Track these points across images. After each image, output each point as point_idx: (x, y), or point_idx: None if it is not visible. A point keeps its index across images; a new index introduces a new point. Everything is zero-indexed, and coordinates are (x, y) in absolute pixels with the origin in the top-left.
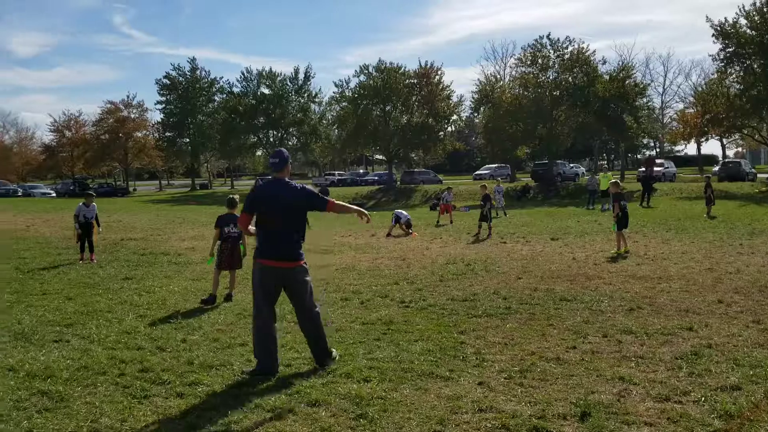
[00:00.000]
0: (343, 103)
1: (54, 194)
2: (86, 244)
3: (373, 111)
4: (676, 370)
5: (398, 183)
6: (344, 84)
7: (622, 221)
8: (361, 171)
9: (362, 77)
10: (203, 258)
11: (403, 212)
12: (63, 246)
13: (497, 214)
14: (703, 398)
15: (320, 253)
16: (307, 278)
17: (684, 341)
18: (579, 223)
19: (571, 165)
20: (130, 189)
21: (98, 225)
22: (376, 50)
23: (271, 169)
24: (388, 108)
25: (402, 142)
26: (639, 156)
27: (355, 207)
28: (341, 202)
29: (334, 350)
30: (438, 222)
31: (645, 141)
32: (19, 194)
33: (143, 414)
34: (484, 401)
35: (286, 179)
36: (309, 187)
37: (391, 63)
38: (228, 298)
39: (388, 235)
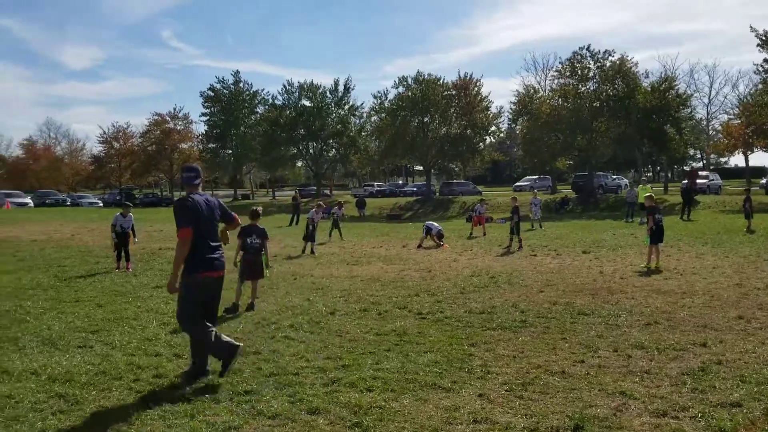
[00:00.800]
0: (382, 115)
1: (101, 204)
2: (122, 253)
3: (412, 122)
4: (679, 385)
5: (437, 194)
6: (383, 95)
7: (656, 235)
8: (400, 182)
9: (401, 89)
10: (233, 268)
11: (435, 224)
12: (102, 255)
13: (533, 226)
14: (700, 414)
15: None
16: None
17: (695, 357)
18: (614, 237)
19: (614, 177)
20: (175, 199)
21: (134, 235)
22: (418, 61)
23: (186, 183)
24: (426, 119)
25: (440, 153)
26: (685, 168)
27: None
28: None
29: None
30: (471, 234)
31: (691, 152)
32: (68, 204)
33: (150, 417)
34: (480, 413)
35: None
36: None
37: (429, 74)
38: (250, 307)
39: (419, 246)
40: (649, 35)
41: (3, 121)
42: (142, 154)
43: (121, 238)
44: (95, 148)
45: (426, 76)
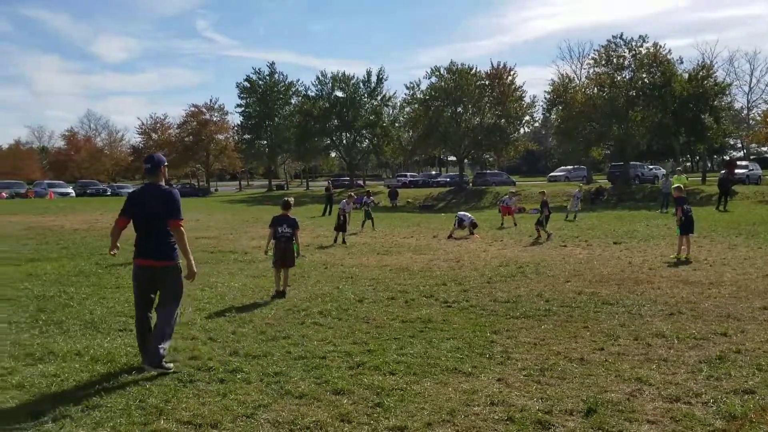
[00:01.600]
0: (415, 105)
1: None
2: None
3: (445, 112)
4: (696, 373)
5: (470, 184)
6: (415, 86)
7: (685, 225)
8: (434, 172)
9: (433, 79)
10: (268, 256)
11: (467, 214)
12: None
13: (567, 217)
14: (712, 400)
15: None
16: (176, 278)
17: (714, 346)
18: (647, 227)
19: (651, 166)
20: (212, 189)
21: None
22: (452, 49)
23: (145, 174)
24: (459, 109)
25: (473, 144)
26: (725, 157)
27: (191, 261)
28: (185, 242)
29: (168, 363)
30: (501, 224)
31: (731, 142)
32: (108, 194)
33: (185, 396)
34: (497, 396)
35: (159, 184)
36: (174, 194)
37: (462, 64)
38: (281, 294)
39: (450, 236)
40: (688, 23)
41: (45, 113)
42: (180, 145)
43: None
44: (134, 139)
45: (459, 66)
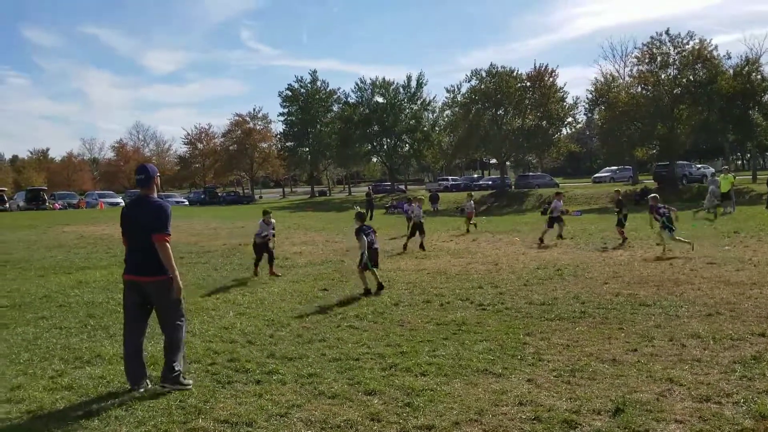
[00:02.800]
0: (455, 108)
1: (187, 202)
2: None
3: (485, 115)
4: (729, 373)
5: (512, 187)
6: (455, 89)
7: (667, 226)
8: (475, 175)
9: (473, 81)
10: (308, 262)
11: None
12: (186, 251)
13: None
14: (743, 400)
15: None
16: (168, 293)
17: (750, 346)
18: (692, 228)
19: (698, 166)
20: (256, 197)
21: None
22: (494, 51)
23: (137, 185)
24: (500, 112)
25: (514, 146)
26: None
27: (176, 276)
28: (168, 256)
29: (187, 380)
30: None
31: None
32: None
33: (223, 396)
34: (527, 396)
35: (150, 196)
36: (164, 208)
37: (502, 66)
38: (381, 287)
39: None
40: (736, 16)
41: (97, 125)
42: (224, 153)
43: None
44: (180, 149)
45: (499, 68)
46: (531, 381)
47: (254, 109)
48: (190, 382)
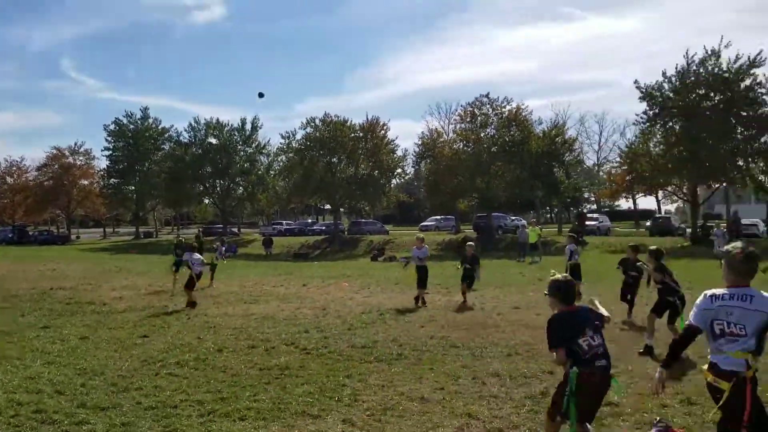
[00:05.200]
0: (290, 154)
1: None
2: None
3: (320, 162)
4: (519, 407)
5: (345, 233)
6: (291, 135)
7: (467, 276)
8: (309, 220)
9: (309, 129)
10: (127, 307)
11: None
12: None
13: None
14: (528, 431)
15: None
16: None
17: (540, 383)
18: (503, 275)
19: (513, 218)
20: (72, 236)
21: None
22: (331, 101)
23: None
24: (334, 159)
25: (347, 193)
26: (582, 209)
27: None
28: None
29: None
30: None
31: (585, 196)
32: None
33: None
34: None
35: None
36: None
37: (336, 116)
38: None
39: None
40: (562, 82)
41: None
42: (38, 189)
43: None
44: None
45: (333, 118)
46: (346, 421)
47: (75, 144)
48: None
